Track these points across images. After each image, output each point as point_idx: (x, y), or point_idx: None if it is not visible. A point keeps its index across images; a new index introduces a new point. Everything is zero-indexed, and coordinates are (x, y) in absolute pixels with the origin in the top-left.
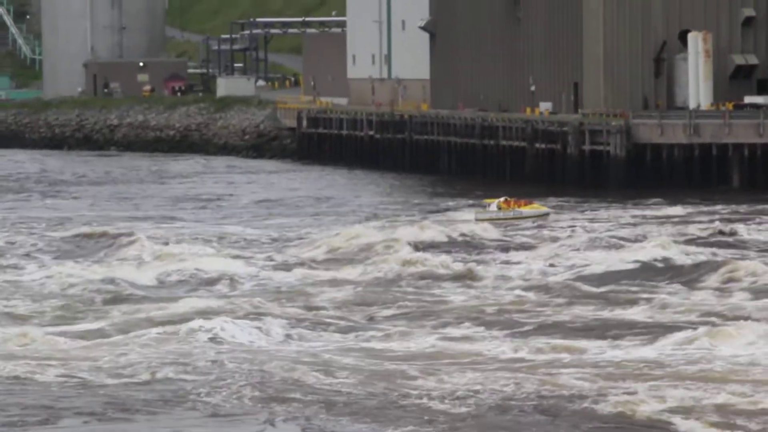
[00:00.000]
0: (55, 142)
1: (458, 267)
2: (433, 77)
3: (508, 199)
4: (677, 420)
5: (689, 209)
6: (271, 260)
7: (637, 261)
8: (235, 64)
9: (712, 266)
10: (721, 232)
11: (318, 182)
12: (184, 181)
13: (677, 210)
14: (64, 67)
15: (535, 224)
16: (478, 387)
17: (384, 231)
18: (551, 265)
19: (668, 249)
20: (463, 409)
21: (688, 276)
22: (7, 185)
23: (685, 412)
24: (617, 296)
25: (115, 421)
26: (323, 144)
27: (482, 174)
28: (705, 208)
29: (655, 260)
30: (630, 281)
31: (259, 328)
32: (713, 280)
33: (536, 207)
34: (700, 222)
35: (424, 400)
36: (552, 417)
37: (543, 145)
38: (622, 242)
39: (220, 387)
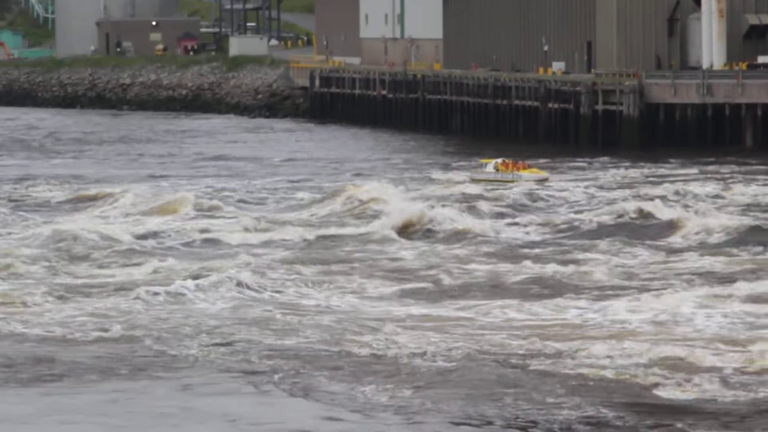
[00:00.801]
0: (67, 101)
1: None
2: (446, 37)
3: (506, 160)
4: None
5: (690, 169)
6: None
7: (598, 222)
8: (248, 24)
9: (667, 225)
10: (677, 194)
11: (328, 142)
12: (195, 140)
13: (683, 170)
14: (76, 26)
15: (529, 188)
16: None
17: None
18: (512, 224)
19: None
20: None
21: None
22: (18, 143)
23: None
24: (555, 256)
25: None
26: (336, 103)
27: (495, 134)
28: (708, 168)
29: (621, 220)
30: (578, 241)
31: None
32: (665, 240)
33: (535, 171)
34: (696, 181)
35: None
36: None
37: (556, 105)
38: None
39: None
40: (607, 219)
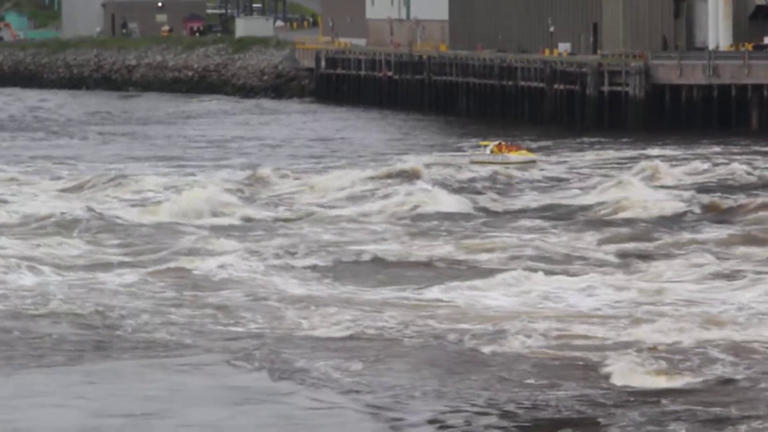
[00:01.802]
0: (73, 82)
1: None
2: (451, 18)
3: (501, 143)
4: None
5: (683, 151)
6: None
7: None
8: (254, 5)
9: (605, 207)
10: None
11: (334, 123)
12: (200, 122)
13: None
14: (82, 7)
15: (521, 169)
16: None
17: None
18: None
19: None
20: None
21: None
22: (17, 124)
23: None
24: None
25: None
26: (341, 85)
27: (501, 115)
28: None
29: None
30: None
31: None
32: (595, 222)
33: (524, 153)
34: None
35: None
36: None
37: (562, 86)
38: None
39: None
40: (549, 201)
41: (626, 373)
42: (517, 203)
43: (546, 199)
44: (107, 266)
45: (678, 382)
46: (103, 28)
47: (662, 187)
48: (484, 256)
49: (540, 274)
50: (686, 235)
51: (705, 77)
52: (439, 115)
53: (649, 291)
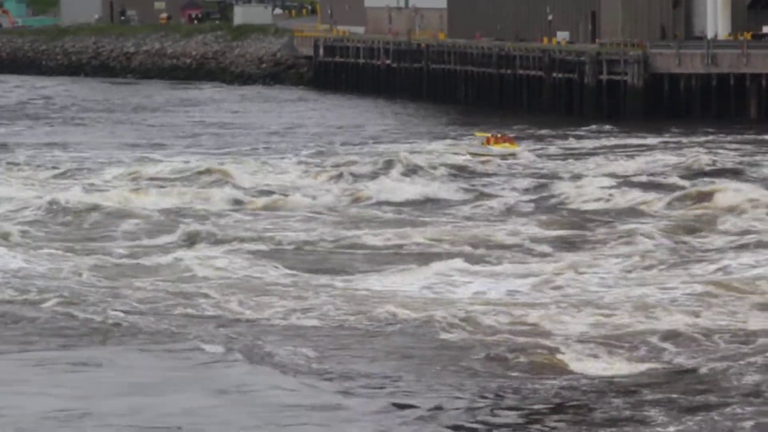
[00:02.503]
0: (71, 69)
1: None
2: (450, 6)
3: (496, 134)
4: None
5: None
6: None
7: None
8: None
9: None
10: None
11: (331, 111)
12: (197, 109)
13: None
14: None
15: (502, 160)
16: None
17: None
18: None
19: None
20: None
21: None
22: (17, 112)
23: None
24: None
25: None
26: (340, 73)
27: (499, 103)
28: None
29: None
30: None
31: None
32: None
33: (507, 146)
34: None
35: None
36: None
37: (560, 75)
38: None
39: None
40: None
41: (586, 361)
42: (481, 192)
43: (510, 190)
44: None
45: (633, 369)
46: (102, 16)
47: (618, 176)
48: (416, 245)
49: (458, 261)
50: (624, 226)
51: (703, 66)
52: (438, 104)
53: (552, 280)
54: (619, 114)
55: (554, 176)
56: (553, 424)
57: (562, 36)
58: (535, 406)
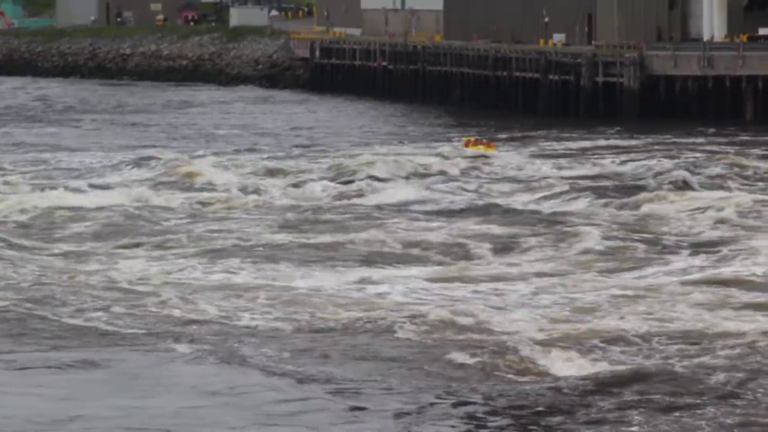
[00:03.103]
0: (68, 70)
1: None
2: (446, 8)
3: (479, 138)
4: None
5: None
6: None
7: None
8: None
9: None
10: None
11: (325, 113)
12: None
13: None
14: None
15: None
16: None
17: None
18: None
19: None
20: None
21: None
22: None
23: None
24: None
25: None
26: (336, 75)
27: (495, 105)
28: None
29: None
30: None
31: None
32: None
33: (482, 149)
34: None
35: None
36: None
37: (556, 77)
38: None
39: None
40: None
41: (558, 362)
42: (441, 195)
43: (465, 191)
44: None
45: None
46: (98, 17)
47: (584, 178)
48: (352, 245)
49: (394, 262)
50: (567, 228)
51: (700, 68)
52: (433, 105)
53: (489, 281)
54: (615, 116)
55: (518, 179)
56: (523, 425)
57: (558, 38)
58: (502, 407)
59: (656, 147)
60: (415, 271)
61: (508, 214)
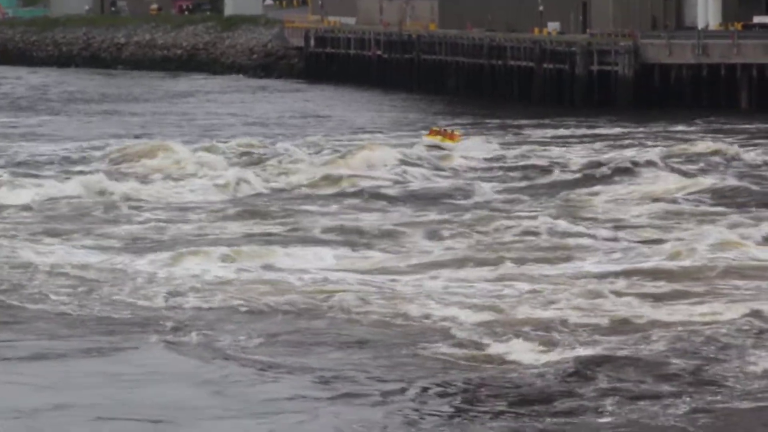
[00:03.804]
0: (62, 60)
1: None
2: None
3: (443, 129)
4: None
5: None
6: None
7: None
8: None
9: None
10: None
11: (319, 102)
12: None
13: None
14: None
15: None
16: None
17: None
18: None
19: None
20: None
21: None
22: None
23: None
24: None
25: None
26: (331, 63)
27: (490, 94)
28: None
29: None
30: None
31: None
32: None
33: (439, 139)
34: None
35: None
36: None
37: (551, 66)
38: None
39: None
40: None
41: (519, 350)
42: (383, 183)
43: (413, 181)
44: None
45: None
46: (92, 6)
47: (536, 168)
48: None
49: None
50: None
51: (694, 57)
52: (428, 94)
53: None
54: (610, 104)
55: (472, 168)
56: (498, 412)
57: (553, 27)
58: (473, 394)
59: (638, 135)
60: (329, 254)
61: (442, 203)
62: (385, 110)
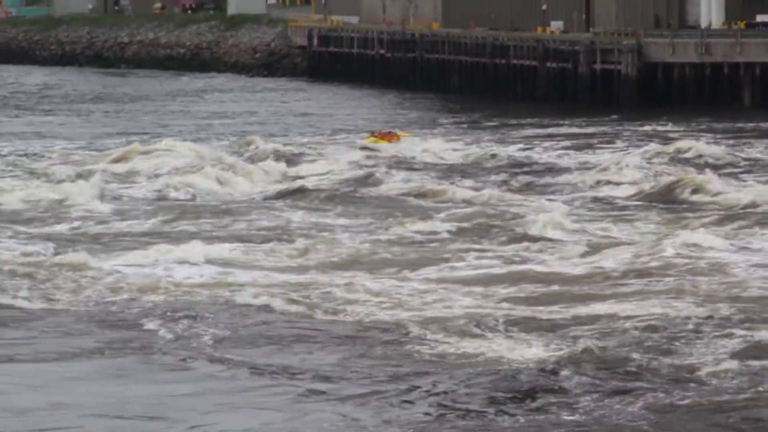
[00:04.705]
0: (65, 59)
1: None
2: None
3: (379, 133)
4: None
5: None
6: None
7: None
8: None
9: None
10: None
11: (318, 102)
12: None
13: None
14: None
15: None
16: None
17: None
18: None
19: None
20: None
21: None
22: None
23: None
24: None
25: None
26: (334, 63)
27: (493, 93)
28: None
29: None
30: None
31: None
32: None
33: (371, 140)
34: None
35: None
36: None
37: (554, 65)
38: None
39: None
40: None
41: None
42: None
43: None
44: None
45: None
46: (95, 5)
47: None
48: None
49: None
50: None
51: (697, 55)
52: (431, 93)
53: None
54: (613, 103)
55: (406, 165)
56: (483, 409)
57: (556, 25)
58: (457, 391)
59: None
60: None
61: (365, 202)
62: (387, 109)
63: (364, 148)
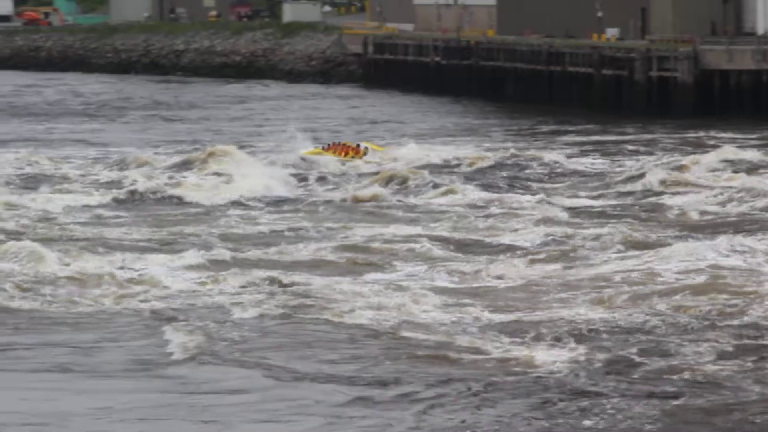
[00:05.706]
0: (122, 67)
1: None
2: (499, 3)
3: (340, 143)
4: None
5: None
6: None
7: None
8: None
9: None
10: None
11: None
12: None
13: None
14: None
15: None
16: None
17: None
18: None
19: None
20: None
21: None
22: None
23: None
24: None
25: None
26: (389, 70)
27: (548, 100)
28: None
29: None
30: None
31: None
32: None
33: (317, 152)
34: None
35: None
36: None
37: (610, 72)
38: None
39: None
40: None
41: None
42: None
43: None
44: None
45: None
46: (151, 13)
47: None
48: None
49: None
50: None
51: (754, 62)
52: (486, 101)
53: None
54: (669, 111)
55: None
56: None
57: (612, 33)
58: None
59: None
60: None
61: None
62: (443, 116)
63: (303, 159)
